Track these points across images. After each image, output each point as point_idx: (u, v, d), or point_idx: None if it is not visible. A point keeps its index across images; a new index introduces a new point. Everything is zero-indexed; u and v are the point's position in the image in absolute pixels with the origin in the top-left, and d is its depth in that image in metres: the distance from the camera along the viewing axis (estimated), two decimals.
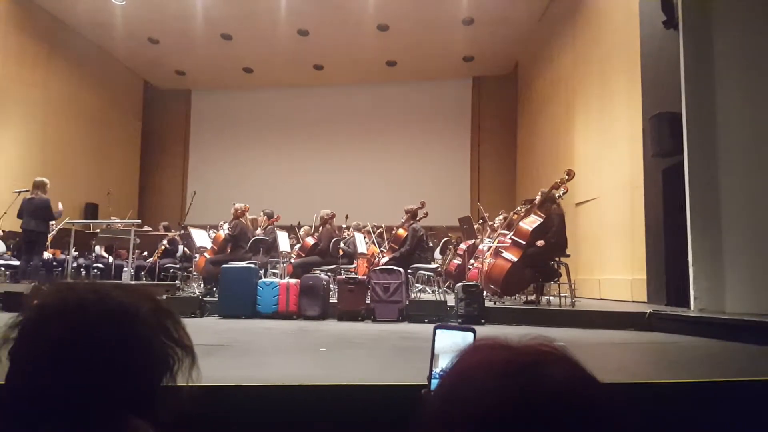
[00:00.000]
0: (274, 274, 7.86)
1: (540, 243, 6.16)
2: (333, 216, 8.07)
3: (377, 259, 8.25)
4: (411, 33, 12.51)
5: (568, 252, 6.35)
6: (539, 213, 6.35)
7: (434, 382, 1.00)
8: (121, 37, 12.78)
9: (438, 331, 1.02)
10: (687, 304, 5.00)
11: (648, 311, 5.06)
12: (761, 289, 4.65)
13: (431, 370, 1.01)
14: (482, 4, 11.18)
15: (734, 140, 4.84)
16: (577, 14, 9.79)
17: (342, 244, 7.87)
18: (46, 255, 8.48)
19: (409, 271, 6.91)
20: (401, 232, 7.46)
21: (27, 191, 7.78)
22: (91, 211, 13.14)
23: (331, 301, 6.51)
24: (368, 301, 6.22)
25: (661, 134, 5.73)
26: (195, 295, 7.00)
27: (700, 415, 1.97)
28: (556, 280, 6.31)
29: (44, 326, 0.72)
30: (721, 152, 4.87)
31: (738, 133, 4.85)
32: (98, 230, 9.71)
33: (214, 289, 7.08)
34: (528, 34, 12.52)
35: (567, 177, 6.45)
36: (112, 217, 11.38)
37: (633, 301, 6.97)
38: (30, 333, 0.72)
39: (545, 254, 6.18)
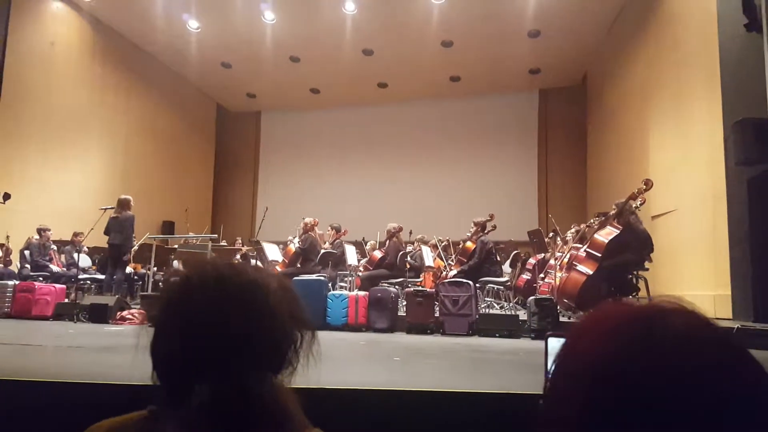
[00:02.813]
0: (343, 287, 8.00)
1: (622, 257, 5.94)
2: (400, 229, 8.14)
3: (444, 272, 8.23)
4: (475, 47, 12.52)
5: (647, 265, 6.11)
6: (615, 225, 6.17)
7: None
8: (195, 62, 13.48)
9: (550, 339, 1.05)
10: None
11: (735, 326, 4.79)
12: None
13: (546, 376, 1.02)
14: (549, 16, 11.05)
15: None
16: (649, 21, 9.50)
17: (409, 258, 7.93)
18: (129, 269, 8.89)
19: (477, 284, 6.86)
20: (469, 244, 7.43)
21: (112, 208, 8.15)
22: (168, 227, 13.78)
23: (399, 314, 6.56)
24: (437, 314, 6.22)
25: (746, 141, 5.45)
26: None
27: None
28: (634, 294, 6.08)
29: (188, 296, 0.81)
30: None
31: None
32: (176, 245, 10.21)
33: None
34: (596, 45, 12.24)
35: (645, 187, 6.23)
36: (189, 233, 11.93)
37: (717, 318, 6.59)
38: (175, 302, 0.81)
39: (623, 267, 5.97)
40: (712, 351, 0.45)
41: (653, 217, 8.71)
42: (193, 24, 12.01)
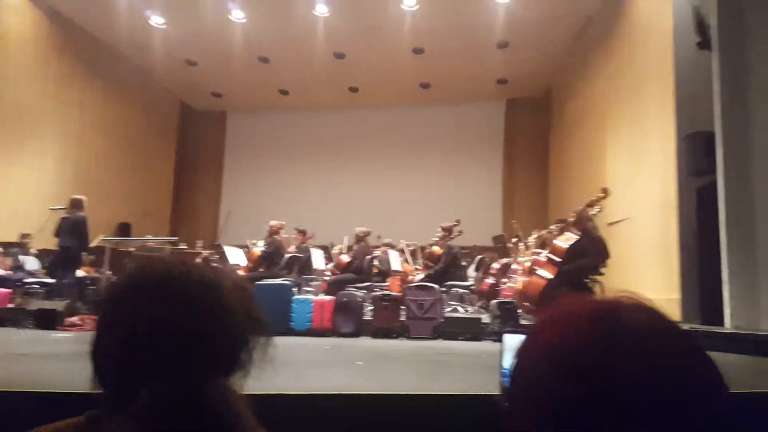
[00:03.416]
0: (309, 292, 7.99)
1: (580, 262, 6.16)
2: (368, 233, 8.21)
3: (411, 276, 8.33)
4: (446, 56, 12.69)
5: (602, 270, 6.35)
6: (575, 231, 6.39)
7: (504, 381, 0.99)
8: (159, 58, 13.03)
9: (505, 336, 1.07)
10: (721, 322, 4.96)
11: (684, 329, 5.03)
12: None
13: (501, 372, 1.02)
14: (517, 27, 11.29)
15: None
16: (610, 37, 9.86)
17: (376, 262, 7.99)
18: (80, 273, 8.47)
19: (443, 288, 6.97)
20: (436, 249, 7.55)
21: (63, 209, 7.74)
22: (124, 230, 13.11)
23: (365, 318, 6.60)
24: (403, 318, 6.29)
25: (696, 154, 5.72)
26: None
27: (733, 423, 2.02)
28: None
29: (133, 295, 0.78)
30: (756, 171, 4.86)
31: None
32: (132, 249, 9.88)
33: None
34: (562, 58, 12.59)
35: (602, 195, 6.48)
36: (147, 236, 11.59)
37: None
38: (120, 301, 0.78)
39: (580, 272, 6.19)
40: (669, 344, 0.47)
41: (609, 224, 9.01)
42: (157, 19, 11.71)
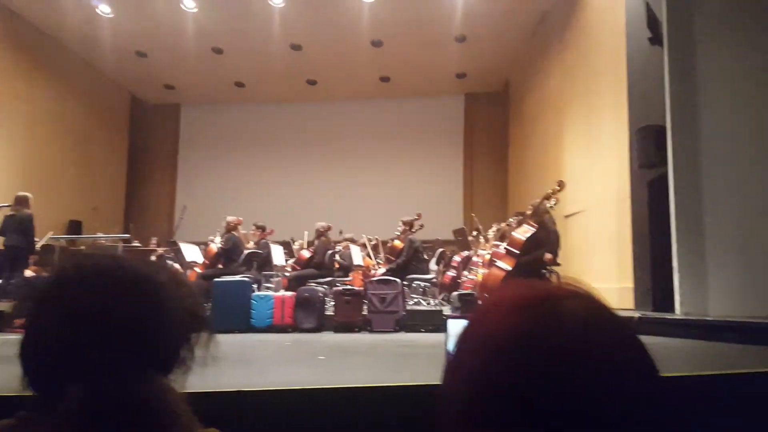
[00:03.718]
0: (269, 288, 7.89)
1: (548, 257, 6.30)
2: (329, 228, 8.14)
3: (373, 271, 8.32)
4: (404, 49, 12.69)
5: (559, 261, 6.49)
6: (532, 223, 6.50)
7: None
8: (108, 50, 12.53)
9: (449, 321, 1.07)
10: (672, 309, 5.14)
11: (636, 316, 5.20)
12: (742, 293, 4.80)
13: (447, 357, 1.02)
14: (475, 21, 11.38)
15: (716, 151, 5.02)
16: (565, 32, 10.05)
17: (337, 257, 7.94)
18: (29, 273, 8.19)
19: (404, 282, 6.99)
20: (398, 243, 7.56)
21: (8, 206, 7.56)
22: (74, 228, 12.70)
23: (327, 313, 6.56)
24: (365, 313, 6.28)
25: (647, 147, 5.90)
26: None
27: (684, 404, 2.10)
28: None
29: (62, 290, 0.75)
30: (704, 162, 5.04)
31: (720, 144, 5.02)
32: (83, 247, 9.55)
33: (206, 304, 7.07)
34: (518, 52, 12.79)
35: (558, 188, 6.62)
36: (99, 233, 11.23)
37: (621, 309, 7.10)
38: (49, 297, 0.75)
39: (538, 263, 6.32)
40: (604, 331, 0.48)
41: (566, 217, 9.23)
42: (104, 9, 11.23)
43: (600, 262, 8.12)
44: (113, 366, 0.70)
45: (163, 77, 14.68)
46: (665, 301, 5.54)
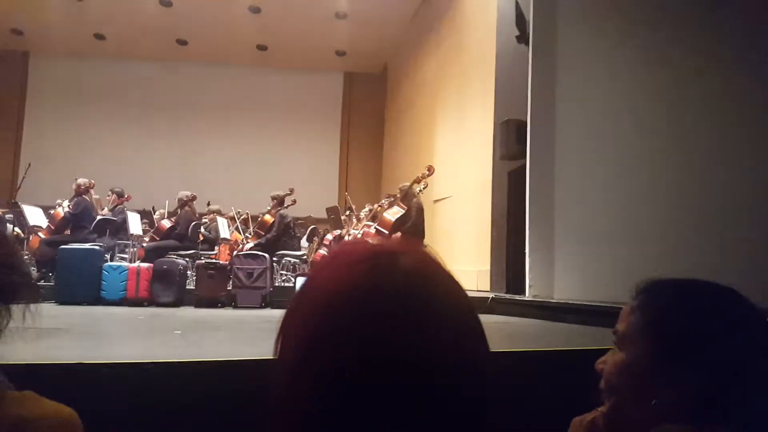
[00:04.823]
0: (123, 259, 7.33)
1: (396, 234, 6.47)
2: (193, 198, 7.68)
3: (241, 245, 8.06)
4: (284, 19, 12.33)
5: (426, 243, 6.75)
6: (401, 205, 6.69)
7: None
8: None
9: (298, 279, 1.07)
10: (523, 291, 5.60)
11: (490, 297, 5.59)
12: (584, 278, 5.34)
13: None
14: (356, 0, 11.35)
15: (569, 146, 5.50)
16: (442, 22, 10.38)
17: (202, 229, 7.57)
18: None
19: (274, 258, 6.86)
20: (268, 218, 7.38)
21: None
22: None
23: (188, 288, 6.26)
24: (230, 287, 6.08)
25: (509, 139, 6.30)
26: (34, 284, 6.29)
27: (530, 376, 2.29)
28: None
29: None
30: (558, 156, 5.51)
31: (573, 140, 5.51)
32: None
33: (51, 273, 6.43)
34: (398, 36, 13.00)
35: (427, 173, 6.87)
36: None
37: (478, 290, 7.60)
38: None
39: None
40: (438, 286, 0.49)
41: (435, 201, 9.64)
42: None
43: (462, 246, 8.60)
44: None
45: (9, 20, 12.90)
46: (517, 284, 6.01)
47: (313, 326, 0.47)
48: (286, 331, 0.50)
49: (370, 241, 0.54)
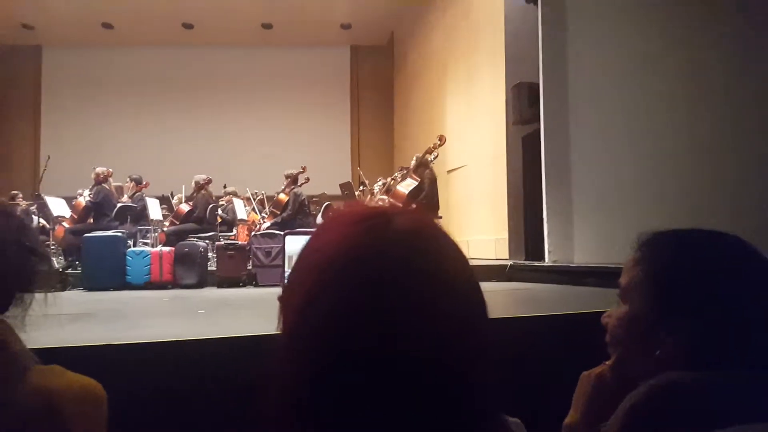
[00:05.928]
0: (145, 244, 7.46)
1: (413, 206, 6.48)
2: (209, 181, 7.76)
3: (258, 225, 8.14)
4: None
5: (440, 214, 6.75)
6: (414, 177, 6.67)
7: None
8: None
9: (288, 238, 1.08)
10: (542, 257, 5.58)
11: (509, 264, 5.59)
12: (604, 242, 5.28)
13: (283, 272, 1.05)
14: None
15: (584, 108, 5.40)
16: None
17: (220, 211, 7.66)
18: None
19: None
20: (282, 197, 7.43)
21: None
22: None
23: (209, 269, 6.35)
24: (250, 267, 6.16)
25: (521, 103, 6.22)
26: (55, 269, 6.46)
27: (552, 340, 2.31)
28: None
29: None
30: (573, 119, 5.42)
31: (588, 101, 5.40)
32: None
33: (77, 261, 6.58)
34: (403, 7, 12.75)
35: (439, 142, 6.82)
36: None
37: (497, 258, 7.60)
38: None
39: None
40: (433, 246, 0.49)
41: (448, 171, 9.58)
42: None
43: (479, 215, 8.57)
44: None
45: (20, 15, 12.95)
46: (536, 251, 5.99)
47: (305, 292, 0.47)
48: (286, 301, 0.51)
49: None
